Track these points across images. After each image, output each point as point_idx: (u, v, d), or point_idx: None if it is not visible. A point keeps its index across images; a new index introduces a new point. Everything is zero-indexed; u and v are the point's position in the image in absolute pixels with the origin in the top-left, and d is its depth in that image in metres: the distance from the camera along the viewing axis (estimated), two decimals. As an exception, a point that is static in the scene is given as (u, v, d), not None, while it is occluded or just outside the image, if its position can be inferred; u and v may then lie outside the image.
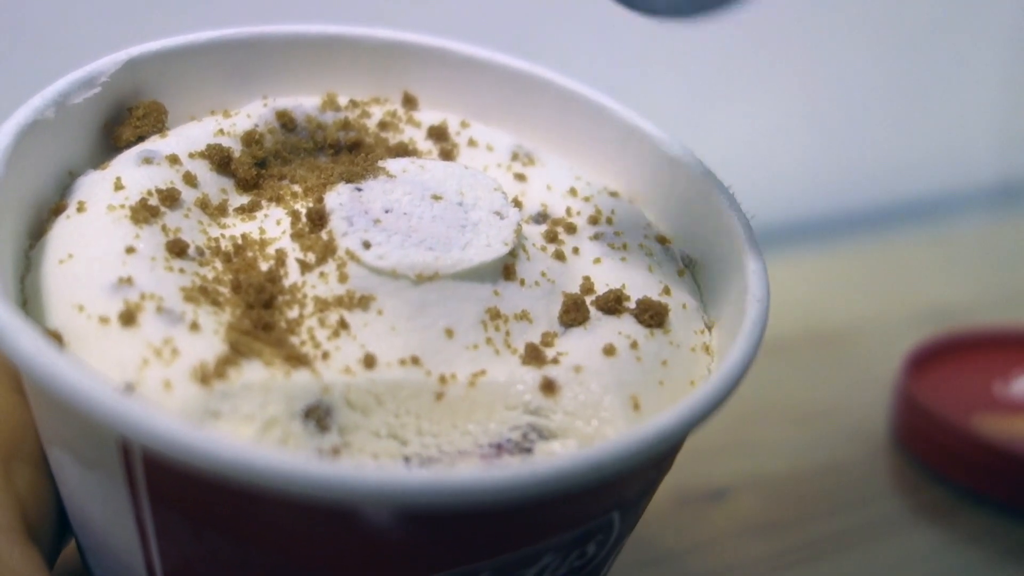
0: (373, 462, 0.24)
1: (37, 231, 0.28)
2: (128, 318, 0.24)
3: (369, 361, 0.25)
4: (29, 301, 0.26)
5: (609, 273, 0.30)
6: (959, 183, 0.85)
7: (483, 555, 0.24)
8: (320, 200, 0.28)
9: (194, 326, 0.24)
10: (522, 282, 0.28)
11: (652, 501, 0.29)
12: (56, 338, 0.24)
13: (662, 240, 0.32)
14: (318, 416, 0.24)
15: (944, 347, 0.57)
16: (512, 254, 0.28)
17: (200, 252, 0.27)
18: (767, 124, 0.77)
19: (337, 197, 0.28)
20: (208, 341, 0.24)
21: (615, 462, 0.23)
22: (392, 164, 0.30)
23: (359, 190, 0.29)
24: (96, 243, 0.26)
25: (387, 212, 0.28)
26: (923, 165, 0.84)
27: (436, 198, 0.29)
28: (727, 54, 0.72)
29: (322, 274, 0.27)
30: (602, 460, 0.22)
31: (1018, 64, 0.84)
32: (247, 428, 0.23)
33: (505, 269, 0.28)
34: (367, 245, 0.27)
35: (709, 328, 0.30)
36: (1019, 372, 0.57)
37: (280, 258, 0.27)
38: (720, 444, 0.52)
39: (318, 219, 0.28)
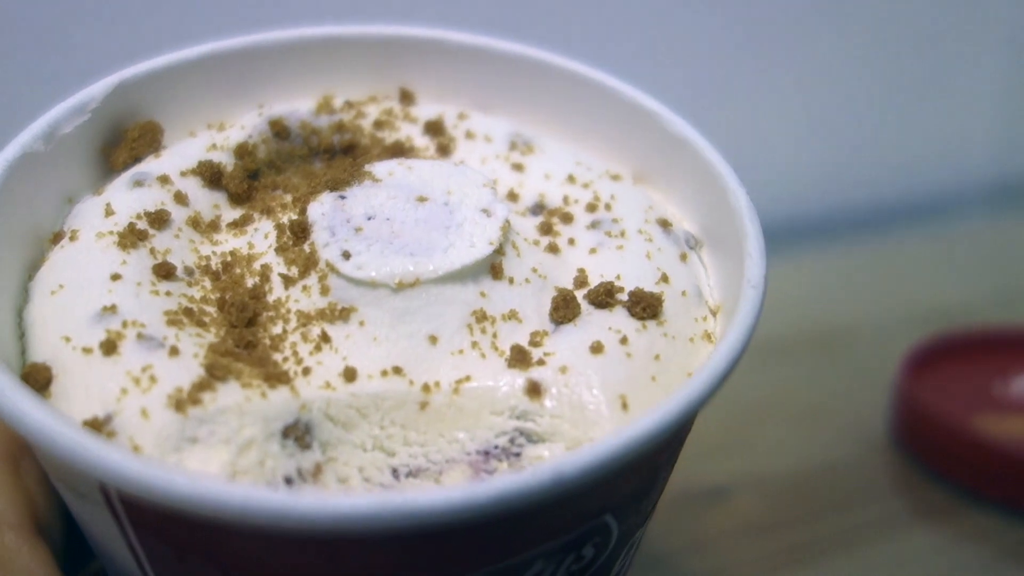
0: (337, 487, 0.24)
1: (37, 261, 0.28)
2: (109, 347, 0.25)
3: (350, 374, 0.25)
4: (26, 334, 0.26)
5: (604, 263, 0.30)
6: (959, 183, 0.85)
7: (461, 571, 0.24)
8: (304, 211, 0.28)
9: (174, 351, 0.25)
10: (511, 280, 0.28)
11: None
12: (45, 371, 0.25)
13: (664, 223, 0.31)
14: (297, 434, 0.24)
15: (943, 347, 0.58)
16: (500, 252, 0.28)
17: (189, 272, 0.28)
18: (766, 124, 0.77)
19: (320, 207, 0.28)
20: (187, 365, 0.24)
21: (580, 475, 0.22)
22: (379, 167, 0.30)
23: (343, 198, 0.28)
24: (84, 272, 0.26)
25: (369, 219, 0.28)
26: (922, 164, 0.84)
27: (421, 200, 0.29)
28: (726, 55, 0.72)
29: (305, 287, 0.27)
30: (563, 474, 0.21)
31: (1018, 64, 0.84)
32: (224, 452, 0.23)
33: (493, 268, 0.28)
34: (347, 256, 0.27)
35: (714, 313, 0.30)
36: (1018, 372, 0.57)
37: (265, 273, 0.27)
38: (720, 444, 0.52)
39: (301, 231, 0.28)
